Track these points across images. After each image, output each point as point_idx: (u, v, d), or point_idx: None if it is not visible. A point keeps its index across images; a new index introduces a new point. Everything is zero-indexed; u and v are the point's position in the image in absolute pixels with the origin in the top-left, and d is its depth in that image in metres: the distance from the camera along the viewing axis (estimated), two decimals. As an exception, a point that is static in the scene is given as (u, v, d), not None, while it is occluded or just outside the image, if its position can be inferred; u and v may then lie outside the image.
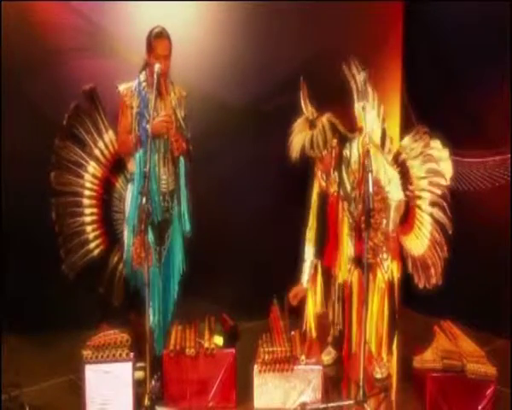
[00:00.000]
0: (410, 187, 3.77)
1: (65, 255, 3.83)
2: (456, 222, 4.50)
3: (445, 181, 3.70)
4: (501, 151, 4.33)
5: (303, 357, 3.57)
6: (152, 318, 3.66)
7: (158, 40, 3.56)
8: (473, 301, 4.40)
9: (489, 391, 3.43)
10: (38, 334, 4.27)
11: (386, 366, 3.82)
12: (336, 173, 3.69)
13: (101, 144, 3.89)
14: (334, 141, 3.58)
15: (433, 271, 3.76)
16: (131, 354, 3.52)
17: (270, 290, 3.97)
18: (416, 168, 3.76)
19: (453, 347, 3.61)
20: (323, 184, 3.78)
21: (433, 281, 3.78)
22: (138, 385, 3.55)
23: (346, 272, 3.78)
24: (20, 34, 4.25)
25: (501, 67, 4.24)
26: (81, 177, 3.87)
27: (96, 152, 3.89)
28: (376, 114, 3.77)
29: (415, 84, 4.79)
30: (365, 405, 3.34)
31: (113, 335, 3.61)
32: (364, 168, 3.34)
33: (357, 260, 3.71)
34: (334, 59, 4.58)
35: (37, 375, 3.89)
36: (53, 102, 4.10)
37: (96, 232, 3.92)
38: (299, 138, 3.56)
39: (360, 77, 3.71)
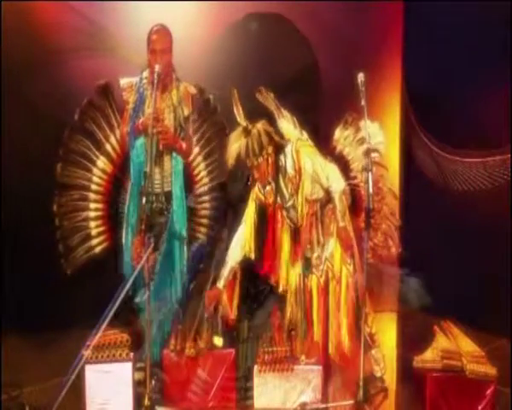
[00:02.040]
0: (352, 174, 3.79)
1: (64, 250, 3.82)
2: (457, 222, 4.53)
3: (378, 155, 3.71)
4: (501, 151, 4.33)
5: (303, 357, 3.57)
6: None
7: (154, 35, 3.58)
8: (473, 301, 4.40)
9: (489, 391, 3.44)
10: (38, 334, 4.27)
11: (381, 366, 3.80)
12: (273, 184, 3.63)
13: (112, 140, 3.89)
14: (270, 148, 3.52)
15: (390, 241, 3.86)
16: (131, 354, 3.52)
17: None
18: (353, 155, 3.80)
19: (453, 347, 3.61)
20: (261, 195, 3.70)
21: (393, 250, 3.88)
22: (138, 385, 3.55)
23: (285, 278, 3.70)
24: (20, 34, 4.25)
25: (501, 67, 4.24)
26: (89, 171, 3.86)
27: (108, 147, 3.89)
28: (292, 125, 3.72)
29: (415, 85, 4.78)
30: (365, 405, 3.35)
31: (113, 335, 3.61)
32: (364, 168, 3.32)
33: (308, 265, 3.68)
34: (335, 59, 4.60)
35: (37, 375, 3.89)
36: (53, 102, 4.10)
37: (100, 228, 3.89)
38: (235, 147, 3.51)
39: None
